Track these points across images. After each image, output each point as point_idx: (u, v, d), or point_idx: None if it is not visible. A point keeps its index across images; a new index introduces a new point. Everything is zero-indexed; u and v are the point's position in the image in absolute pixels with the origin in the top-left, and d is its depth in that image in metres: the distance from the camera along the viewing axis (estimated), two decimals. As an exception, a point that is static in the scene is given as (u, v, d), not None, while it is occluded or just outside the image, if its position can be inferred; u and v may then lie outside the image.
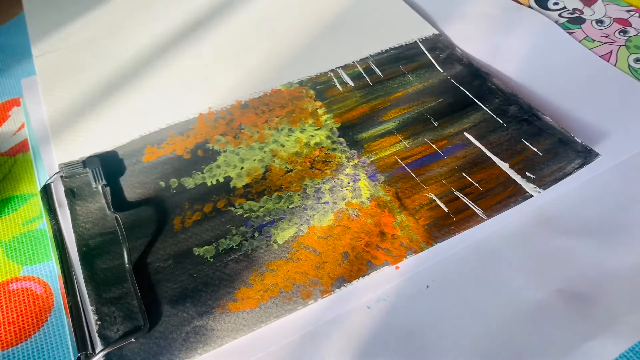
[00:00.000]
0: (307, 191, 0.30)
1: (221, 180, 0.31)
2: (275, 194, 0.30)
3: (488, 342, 0.24)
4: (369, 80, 0.37)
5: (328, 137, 0.33)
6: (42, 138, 0.34)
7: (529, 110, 0.34)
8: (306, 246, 0.28)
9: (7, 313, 0.26)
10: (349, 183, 0.31)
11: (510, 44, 0.39)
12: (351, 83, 0.37)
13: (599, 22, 0.41)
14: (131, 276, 0.26)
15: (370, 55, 0.39)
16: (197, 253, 0.28)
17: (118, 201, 0.30)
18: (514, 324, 0.25)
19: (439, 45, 0.39)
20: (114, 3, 0.45)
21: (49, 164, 0.32)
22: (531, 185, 0.30)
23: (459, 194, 0.30)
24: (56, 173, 0.31)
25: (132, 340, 0.24)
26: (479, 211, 0.29)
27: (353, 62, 0.38)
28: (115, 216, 0.28)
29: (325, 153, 0.32)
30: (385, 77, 0.37)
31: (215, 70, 0.38)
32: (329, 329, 0.25)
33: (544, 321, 0.25)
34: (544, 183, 0.30)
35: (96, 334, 0.24)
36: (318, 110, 0.35)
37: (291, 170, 0.31)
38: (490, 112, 0.34)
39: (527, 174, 0.30)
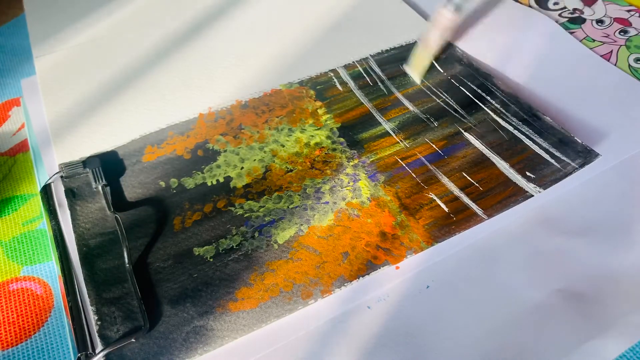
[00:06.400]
0: (307, 191, 0.30)
1: (221, 180, 0.31)
2: (276, 193, 0.30)
3: (488, 342, 0.24)
4: (369, 80, 0.37)
5: (328, 137, 0.33)
6: (42, 138, 0.34)
7: (529, 110, 0.34)
8: (306, 246, 0.28)
9: (7, 313, 0.26)
10: (349, 183, 0.31)
11: (510, 44, 0.39)
12: (351, 83, 0.37)
13: (599, 21, 0.41)
14: (131, 276, 0.26)
15: (370, 55, 0.39)
16: (197, 253, 0.28)
17: (118, 201, 0.30)
18: (514, 324, 0.25)
19: (439, 45, 0.39)
20: (114, 4, 0.45)
21: (49, 164, 0.32)
22: (531, 185, 0.30)
23: (459, 194, 0.30)
24: (56, 173, 0.31)
25: (132, 340, 0.24)
26: (479, 211, 0.29)
27: (353, 62, 0.38)
28: (116, 216, 0.28)
29: (326, 153, 0.32)
30: (386, 77, 0.37)
31: (215, 70, 0.38)
32: (329, 329, 0.25)
33: (544, 321, 0.25)
34: (544, 183, 0.30)
35: (96, 334, 0.24)
36: (318, 110, 0.35)
37: (291, 170, 0.31)
38: (490, 112, 0.34)
39: (528, 173, 0.30)
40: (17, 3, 0.46)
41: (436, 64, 0.36)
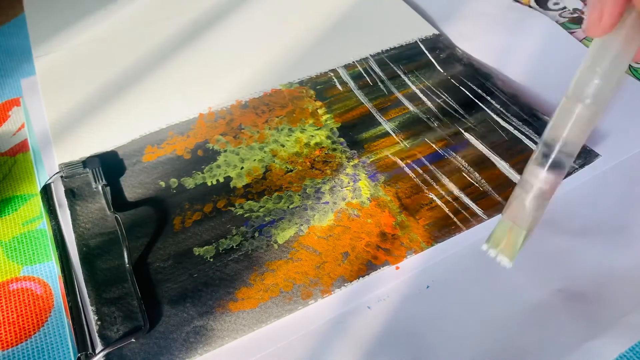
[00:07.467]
0: (307, 191, 0.30)
1: (221, 180, 0.31)
2: (276, 194, 0.30)
3: (488, 342, 0.24)
4: (369, 80, 0.37)
5: (328, 137, 0.33)
6: (42, 138, 0.34)
7: (529, 110, 0.34)
8: (306, 246, 0.28)
9: (7, 313, 0.26)
10: (349, 183, 0.31)
11: (510, 44, 0.39)
12: (351, 83, 0.37)
13: (599, 22, 0.41)
14: (131, 276, 0.26)
15: (370, 55, 0.39)
16: (197, 253, 0.28)
17: (118, 201, 0.30)
18: (514, 324, 0.25)
19: (439, 45, 0.39)
20: (114, 4, 0.45)
21: (49, 164, 0.32)
22: (531, 185, 0.30)
23: (459, 194, 0.30)
24: (56, 173, 0.31)
25: (132, 340, 0.24)
26: (479, 211, 0.29)
27: (353, 62, 0.38)
28: (116, 216, 0.28)
29: (326, 153, 0.32)
30: (386, 77, 0.37)
31: (215, 70, 0.38)
32: (329, 329, 0.25)
33: (544, 321, 0.25)
34: (544, 183, 0.30)
35: (96, 334, 0.24)
36: (318, 110, 0.35)
37: (291, 170, 0.31)
38: (490, 113, 0.34)
39: (527, 174, 0.30)
40: (17, 3, 0.46)
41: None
